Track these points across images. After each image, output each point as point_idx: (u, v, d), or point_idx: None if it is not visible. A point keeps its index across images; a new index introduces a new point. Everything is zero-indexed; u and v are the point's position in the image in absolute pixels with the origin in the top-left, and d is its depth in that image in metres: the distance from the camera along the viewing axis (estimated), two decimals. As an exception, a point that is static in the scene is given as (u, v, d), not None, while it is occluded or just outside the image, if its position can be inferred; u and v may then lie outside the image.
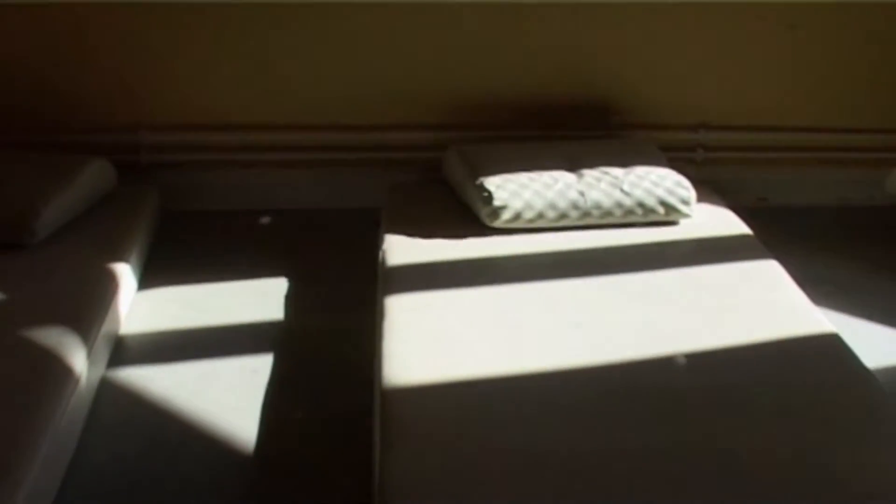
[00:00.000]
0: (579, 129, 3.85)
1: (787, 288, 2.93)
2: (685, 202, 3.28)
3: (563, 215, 3.22)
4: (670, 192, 3.28)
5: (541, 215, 3.20)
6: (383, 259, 3.06)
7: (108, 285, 2.98)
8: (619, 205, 3.24)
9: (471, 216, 3.28)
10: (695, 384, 2.39)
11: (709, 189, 3.61)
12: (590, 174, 3.32)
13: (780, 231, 3.84)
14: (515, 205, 3.18)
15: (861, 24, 3.94)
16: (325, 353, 3.04)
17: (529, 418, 2.25)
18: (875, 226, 3.97)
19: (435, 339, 2.55)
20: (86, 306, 2.80)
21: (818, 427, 2.25)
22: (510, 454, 2.12)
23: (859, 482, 2.07)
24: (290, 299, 3.33)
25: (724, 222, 3.39)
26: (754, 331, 2.64)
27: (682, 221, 3.32)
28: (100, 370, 2.82)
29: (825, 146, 4.10)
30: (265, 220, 3.93)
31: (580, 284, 2.88)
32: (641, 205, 3.25)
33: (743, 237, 3.29)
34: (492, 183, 3.24)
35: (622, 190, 3.25)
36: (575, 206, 3.21)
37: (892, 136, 4.10)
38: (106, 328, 2.85)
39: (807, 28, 3.92)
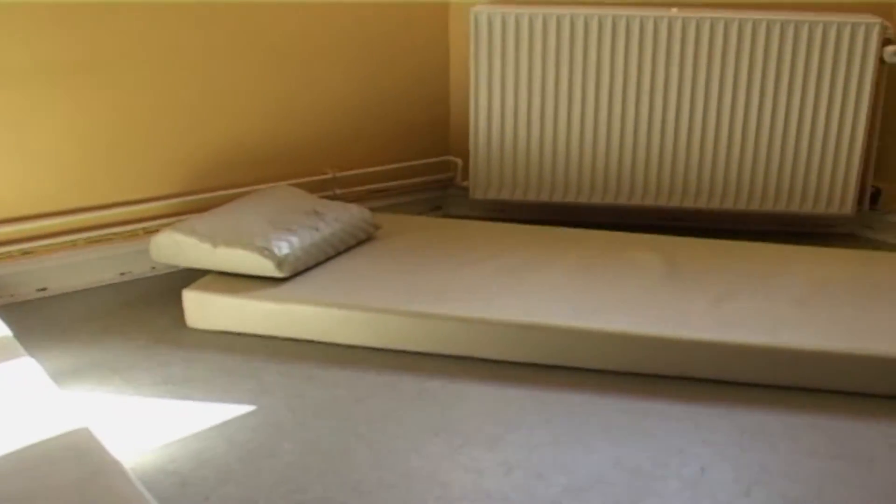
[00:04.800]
0: None
1: (42, 386, 2.80)
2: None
3: None
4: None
5: None
6: None
7: None
8: None
9: None
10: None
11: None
12: None
13: (61, 320, 3.79)
14: None
15: (102, 93, 4.00)
16: None
17: None
18: (155, 295, 4.07)
19: None
20: None
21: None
22: None
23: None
24: None
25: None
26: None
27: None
28: None
29: (97, 224, 4.11)
30: None
31: None
32: None
33: (-2, 339, 3.16)
34: None
35: None
36: None
37: (154, 203, 4.26)
38: None
39: (32, 102, 3.88)
